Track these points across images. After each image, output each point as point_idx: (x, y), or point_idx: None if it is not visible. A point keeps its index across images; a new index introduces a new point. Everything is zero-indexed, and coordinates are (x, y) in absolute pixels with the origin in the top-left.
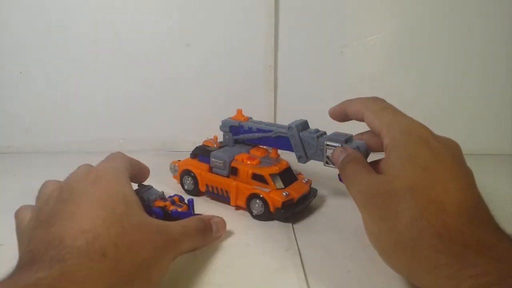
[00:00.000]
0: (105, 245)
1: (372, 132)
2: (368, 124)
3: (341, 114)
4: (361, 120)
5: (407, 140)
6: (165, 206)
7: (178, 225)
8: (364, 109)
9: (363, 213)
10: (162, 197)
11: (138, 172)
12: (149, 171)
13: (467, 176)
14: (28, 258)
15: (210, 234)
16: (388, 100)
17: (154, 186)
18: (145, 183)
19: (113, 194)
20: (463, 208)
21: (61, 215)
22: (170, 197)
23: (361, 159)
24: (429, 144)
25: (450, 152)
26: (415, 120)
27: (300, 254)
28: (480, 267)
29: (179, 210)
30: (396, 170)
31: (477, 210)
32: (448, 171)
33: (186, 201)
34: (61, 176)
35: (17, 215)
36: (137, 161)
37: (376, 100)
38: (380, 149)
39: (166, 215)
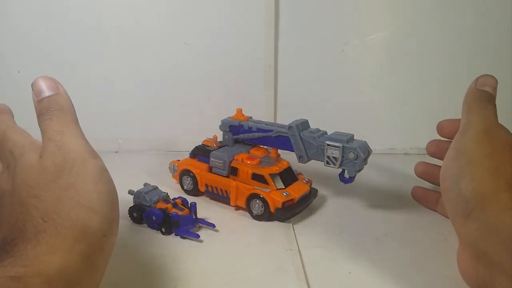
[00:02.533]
0: None
1: None
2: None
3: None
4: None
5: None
6: (166, 208)
7: None
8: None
9: (470, 141)
10: (165, 198)
11: None
12: None
13: None
14: None
15: None
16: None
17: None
18: (151, 183)
19: None
20: None
21: None
22: (174, 199)
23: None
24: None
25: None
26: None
27: (300, 255)
28: None
29: (180, 213)
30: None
31: None
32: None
33: (189, 204)
34: None
35: None
36: None
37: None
38: None
39: (166, 218)
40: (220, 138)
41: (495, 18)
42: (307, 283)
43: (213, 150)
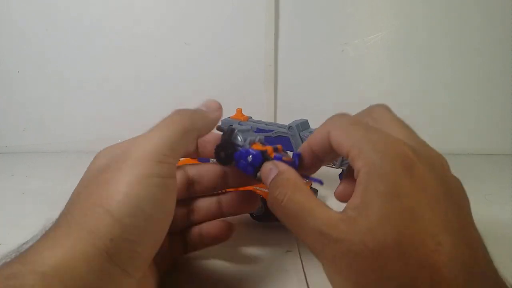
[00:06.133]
0: None
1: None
2: (335, 144)
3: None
4: (330, 150)
5: (386, 165)
6: (266, 150)
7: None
8: (329, 126)
9: (331, 273)
10: (262, 142)
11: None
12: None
13: (460, 216)
14: None
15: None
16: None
17: None
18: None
19: None
20: (461, 270)
21: None
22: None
23: (301, 183)
24: (413, 171)
25: (438, 179)
26: (391, 135)
27: (300, 255)
28: None
29: (284, 158)
30: (375, 214)
31: (476, 268)
32: (439, 216)
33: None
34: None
35: None
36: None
37: (342, 115)
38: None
39: (267, 160)
40: None
41: (495, 18)
42: (307, 283)
43: None
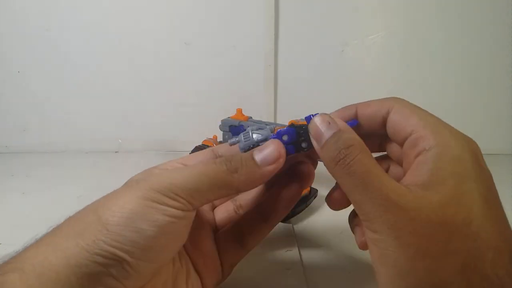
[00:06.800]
0: None
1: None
2: (395, 121)
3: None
4: (378, 124)
5: (463, 152)
6: (292, 123)
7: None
8: (392, 103)
9: (384, 235)
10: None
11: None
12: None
13: (506, 219)
14: None
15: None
16: None
17: None
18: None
19: None
20: None
21: None
22: None
23: (365, 146)
24: (481, 167)
25: (493, 184)
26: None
27: (300, 255)
28: None
29: None
30: (449, 192)
31: None
32: (501, 210)
33: None
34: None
35: None
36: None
37: (404, 99)
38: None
39: (300, 129)
40: (220, 138)
41: (496, 19)
42: (307, 283)
43: None
